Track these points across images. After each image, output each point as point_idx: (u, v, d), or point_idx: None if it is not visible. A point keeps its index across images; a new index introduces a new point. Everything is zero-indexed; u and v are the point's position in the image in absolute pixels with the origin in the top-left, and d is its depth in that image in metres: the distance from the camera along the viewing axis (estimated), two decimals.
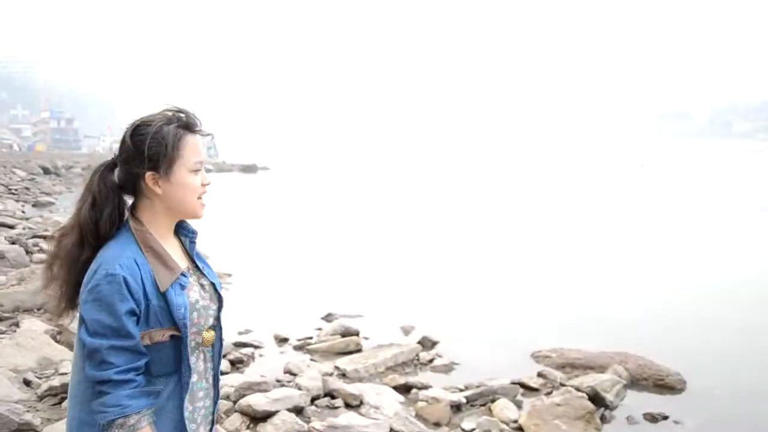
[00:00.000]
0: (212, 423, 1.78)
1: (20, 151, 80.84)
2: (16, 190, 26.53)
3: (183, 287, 1.63)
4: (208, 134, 1.72)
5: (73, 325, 5.56)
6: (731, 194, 32.00)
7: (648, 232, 17.30)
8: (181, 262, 1.70)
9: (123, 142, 1.64)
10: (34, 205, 22.41)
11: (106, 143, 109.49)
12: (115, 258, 1.56)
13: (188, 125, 1.66)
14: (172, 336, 1.60)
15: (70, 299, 1.66)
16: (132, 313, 1.53)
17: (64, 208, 22.27)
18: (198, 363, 1.68)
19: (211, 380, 1.75)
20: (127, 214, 1.67)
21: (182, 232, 1.77)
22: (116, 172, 1.66)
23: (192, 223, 1.81)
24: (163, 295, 1.58)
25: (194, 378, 1.67)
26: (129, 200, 1.69)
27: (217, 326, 1.74)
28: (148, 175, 1.61)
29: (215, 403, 1.78)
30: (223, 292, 1.81)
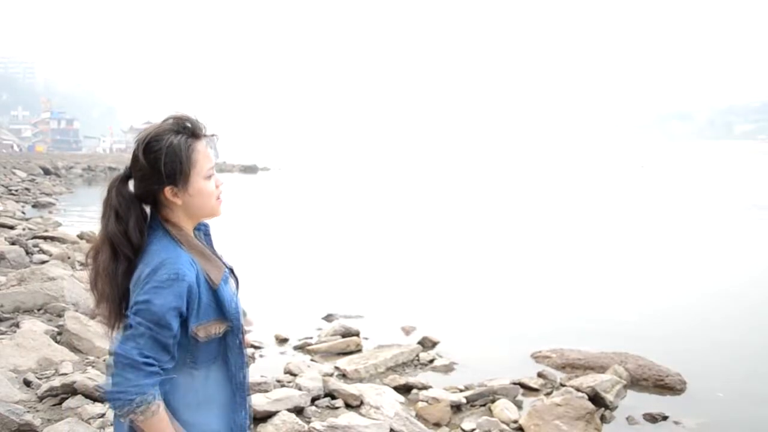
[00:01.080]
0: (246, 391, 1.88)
1: (20, 151, 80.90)
2: (16, 190, 26.56)
3: (226, 280, 1.73)
4: (213, 135, 1.76)
5: (74, 326, 5.57)
6: (732, 195, 31.99)
7: (648, 233, 17.29)
8: None
9: (136, 159, 1.66)
10: (34, 206, 22.40)
11: (107, 144, 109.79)
12: (176, 259, 1.62)
13: (195, 133, 1.69)
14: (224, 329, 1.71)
15: (118, 313, 1.71)
16: (180, 313, 1.60)
17: (64, 209, 22.29)
18: (236, 342, 1.80)
19: (245, 359, 1.85)
20: (150, 219, 1.72)
21: (196, 227, 1.83)
22: (131, 184, 1.71)
23: None
24: (214, 292, 1.67)
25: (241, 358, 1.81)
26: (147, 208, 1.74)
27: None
28: (167, 189, 1.66)
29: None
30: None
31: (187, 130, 1.68)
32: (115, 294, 1.67)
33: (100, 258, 1.68)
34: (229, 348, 1.73)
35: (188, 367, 1.67)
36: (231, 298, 1.70)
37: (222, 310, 1.68)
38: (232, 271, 1.85)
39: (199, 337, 1.65)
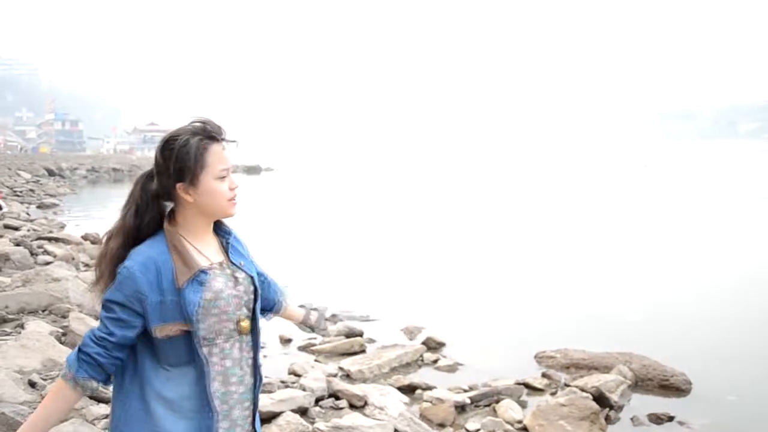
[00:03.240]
0: (253, 407, 1.88)
1: (25, 153, 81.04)
2: (20, 191, 26.66)
3: (202, 284, 1.74)
4: (232, 141, 1.85)
5: (79, 327, 5.58)
6: (737, 194, 31.88)
7: (653, 232, 17.25)
8: (216, 257, 1.84)
9: (155, 157, 1.80)
10: (38, 207, 22.47)
11: (111, 145, 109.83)
12: (136, 254, 1.74)
13: (212, 135, 1.78)
14: (184, 331, 1.73)
15: None
16: (122, 304, 1.71)
17: (68, 210, 22.35)
18: (233, 350, 1.80)
19: (247, 368, 1.85)
20: (166, 219, 1.82)
21: (219, 233, 1.90)
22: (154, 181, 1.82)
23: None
24: (180, 292, 1.71)
25: (228, 363, 1.79)
26: (170, 205, 1.84)
27: (252, 317, 1.86)
28: (178, 186, 1.75)
29: (256, 389, 1.89)
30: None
31: (205, 131, 1.77)
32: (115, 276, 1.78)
33: (111, 243, 1.80)
34: (196, 353, 1.75)
35: (161, 365, 1.75)
36: (193, 302, 1.71)
37: (182, 312, 1.71)
38: (252, 279, 1.87)
39: (158, 336, 1.72)
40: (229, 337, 1.78)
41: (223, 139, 1.80)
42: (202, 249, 1.81)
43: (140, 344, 1.76)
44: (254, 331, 1.86)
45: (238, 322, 1.80)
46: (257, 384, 1.89)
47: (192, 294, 1.71)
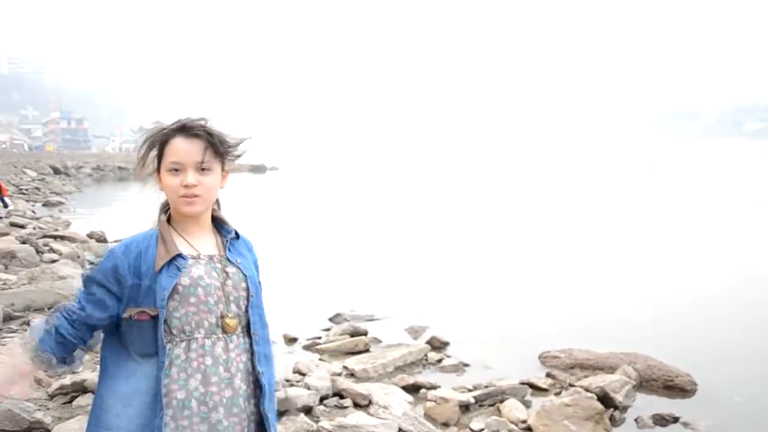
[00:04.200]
0: (253, 420, 1.79)
1: (31, 151, 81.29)
2: (26, 190, 26.77)
3: (179, 268, 1.71)
4: (195, 136, 1.77)
5: None
6: (743, 195, 31.76)
7: (659, 233, 17.21)
8: (207, 251, 1.80)
9: None
10: (44, 205, 22.56)
11: (116, 143, 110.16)
12: (128, 238, 1.79)
13: (178, 129, 1.78)
14: (152, 317, 1.68)
15: None
16: (99, 282, 1.73)
17: (74, 208, 22.41)
18: (215, 348, 1.72)
19: (237, 372, 1.74)
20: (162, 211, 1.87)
21: (221, 231, 1.88)
22: None
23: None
24: (157, 276, 1.70)
25: (208, 361, 1.70)
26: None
27: (241, 316, 1.78)
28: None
29: (255, 398, 1.78)
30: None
31: (177, 126, 1.79)
32: None
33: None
34: (159, 342, 1.68)
35: (125, 352, 1.72)
36: (165, 287, 1.68)
37: (156, 297, 1.69)
38: (246, 279, 1.81)
39: (125, 317, 1.70)
40: (211, 333, 1.71)
41: (195, 135, 1.76)
42: (193, 242, 1.78)
43: (113, 337, 1.75)
44: (248, 333, 1.78)
45: (222, 318, 1.72)
46: (258, 394, 1.78)
47: (167, 278, 1.69)
